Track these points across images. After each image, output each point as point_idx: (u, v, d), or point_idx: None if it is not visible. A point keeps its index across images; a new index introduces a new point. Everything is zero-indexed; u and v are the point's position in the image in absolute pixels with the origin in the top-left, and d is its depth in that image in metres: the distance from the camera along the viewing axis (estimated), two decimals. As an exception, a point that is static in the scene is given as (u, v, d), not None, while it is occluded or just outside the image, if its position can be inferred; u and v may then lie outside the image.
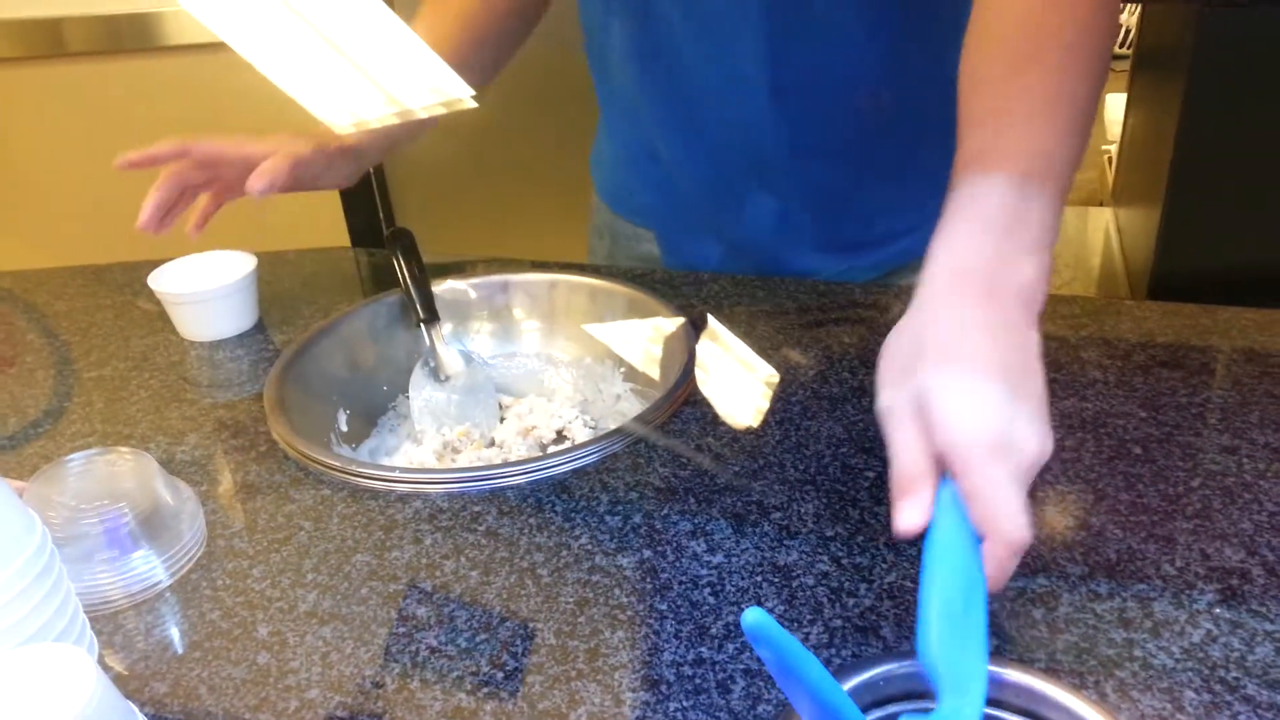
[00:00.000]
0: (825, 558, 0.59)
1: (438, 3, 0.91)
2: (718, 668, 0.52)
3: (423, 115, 0.70)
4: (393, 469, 0.71)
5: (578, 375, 0.94)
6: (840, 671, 0.50)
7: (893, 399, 0.50)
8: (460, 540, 0.63)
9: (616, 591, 0.58)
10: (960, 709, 0.42)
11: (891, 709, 0.49)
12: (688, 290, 0.91)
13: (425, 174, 2.05)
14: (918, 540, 0.60)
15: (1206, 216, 1.90)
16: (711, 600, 0.57)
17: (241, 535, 0.65)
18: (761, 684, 0.51)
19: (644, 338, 0.88)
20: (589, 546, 0.62)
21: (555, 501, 0.66)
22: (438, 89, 0.70)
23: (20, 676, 0.45)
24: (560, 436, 0.88)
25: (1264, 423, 0.68)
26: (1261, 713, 0.48)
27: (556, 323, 0.96)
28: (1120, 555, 0.58)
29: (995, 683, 0.50)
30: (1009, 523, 0.45)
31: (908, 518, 0.47)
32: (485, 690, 0.52)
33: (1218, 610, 0.53)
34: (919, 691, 0.50)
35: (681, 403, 0.75)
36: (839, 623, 0.54)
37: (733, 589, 0.58)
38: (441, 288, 0.94)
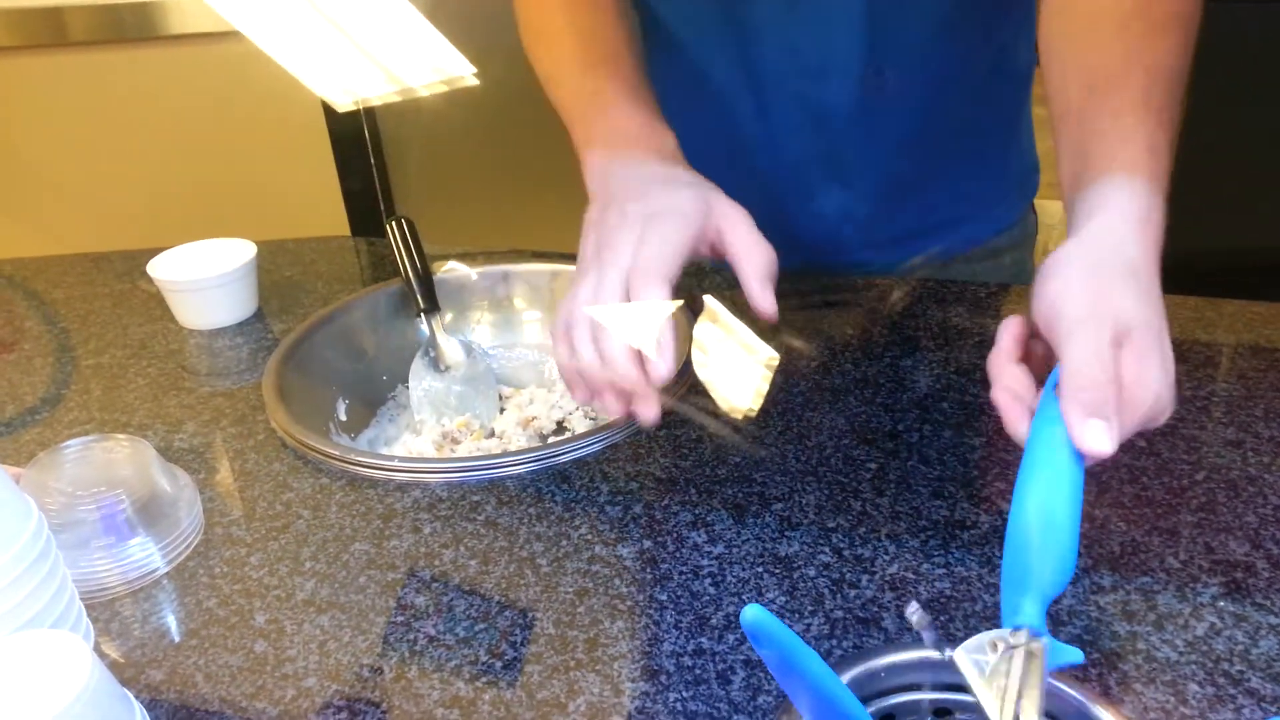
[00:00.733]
0: (827, 549, 0.59)
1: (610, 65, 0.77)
2: (718, 658, 0.52)
3: (424, 93, 0.70)
4: (391, 458, 0.71)
5: (578, 366, 0.94)
6: (841, 663, 0.49)
7: (1091, 308, 0.48)
8: (459, 530, 0.63)
9: (616, 581, 0.58)
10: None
11: (893, 700, 0.49)
12: (688, 280, 0.90)
13: (426, 162, 2.05)
14: (919, 532, 0.59)
15: (1211, 210, 1.89)
16: (712, 591, 0.56)
17: (239, 523, 0.65)
18: (761, 675, 0.51)
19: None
20: (589, 536, 0.62)
21: (555, 491, 0.66)
22: (439, 67, 0.70)
23: (16, 662, 0.45)
24: (561, 427, 0.87)
25: (1269, 416, 0.68)
26: (1266, 706, 0.47)
27: (557, 313, 0.95)
28: (1124, 548, 0.57)
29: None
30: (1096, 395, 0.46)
31: (1103, 440, 0.47)
32: (484, 679, 0.52)
33: (1222, 603, 0.53)
34: (920, 683, 0.50)
35: (683, 393, 0.74)
36: (840, 614, 0.54)
37: (733, 580, 0.57)
38: (442, 277, 0.93)
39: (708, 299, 0.56)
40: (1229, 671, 0.49)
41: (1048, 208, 0.95)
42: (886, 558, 0.58)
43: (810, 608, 0.55)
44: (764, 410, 0.72)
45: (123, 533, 0.61)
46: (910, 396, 0.72)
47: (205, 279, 0.88)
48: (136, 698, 0.49)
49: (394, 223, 0.92)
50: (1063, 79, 0.61)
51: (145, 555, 0.61)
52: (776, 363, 0.54)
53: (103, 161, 1.92)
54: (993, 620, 0.53)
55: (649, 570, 0.59)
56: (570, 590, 0.57)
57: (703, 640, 0.53)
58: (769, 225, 0.97)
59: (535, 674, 0.52)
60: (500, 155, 2.04)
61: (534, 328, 0.96)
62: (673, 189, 0.63)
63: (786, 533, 0.60)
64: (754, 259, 0.60)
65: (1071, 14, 0.62)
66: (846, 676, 0.48)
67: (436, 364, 0.89)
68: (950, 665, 0.42)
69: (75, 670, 0.44)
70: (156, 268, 0.90)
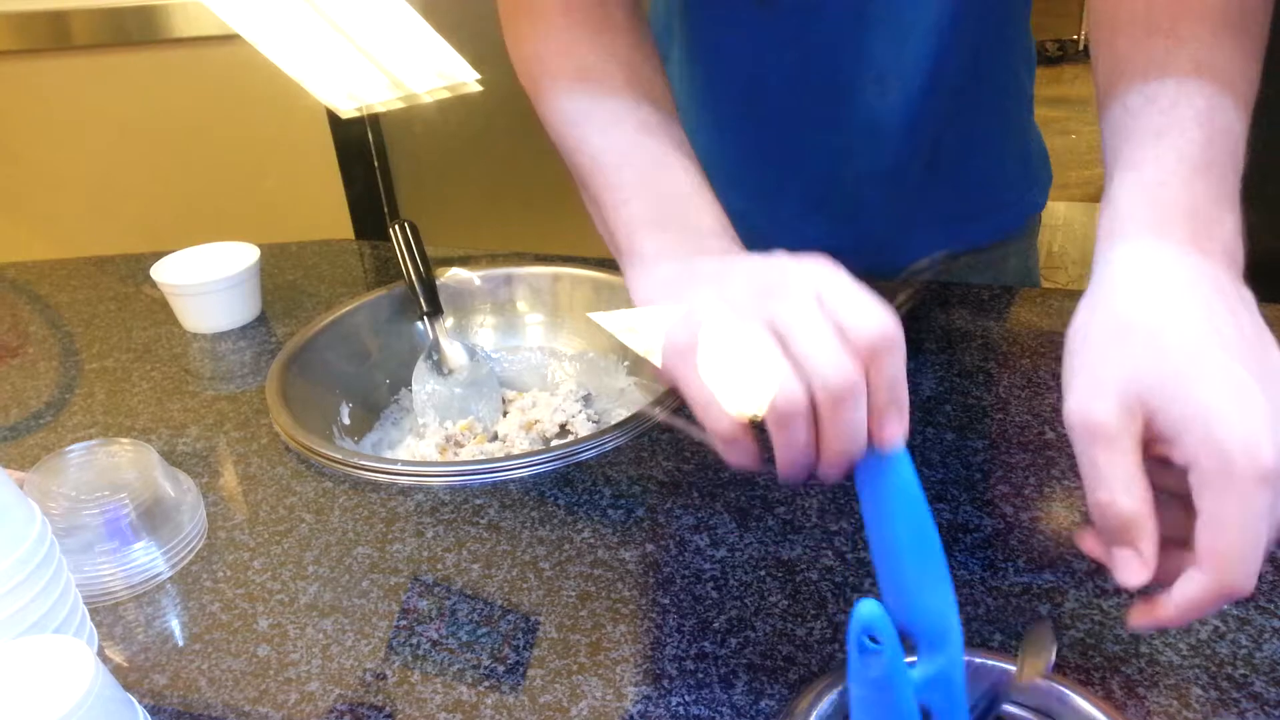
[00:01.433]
0: (829, 553, 0.59)
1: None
2: (720, 662, 0.52)
3: (427, 99, 0.68)
4: (394, 462, 0.71)
5: (581, 369, 0.94)
6: (844, 667, 0.49)
7: (1097, 408, 0.38)
8: (462, 533, 0.63)
9: (619, 585, 0.58)
10: (944, 665, 0.41)
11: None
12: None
13: (429, 166, 2.05)
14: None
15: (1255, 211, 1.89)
16: (714, 595, 0.56)
17: (242, 527, 0.65)
18: (764, 679, 0.51)
19: (649, 330, 0.88)
20: (591, 540, 0.62)
21: (558, 495, 0.66)
22: (442, 72, 0.70)
23: (20, 667, 0.45)
24: (564, 430, 0.88)
25: (1273, 419, 0.67)
26: (1269, 710, 0.47)
27: (560, 316, 0.95)
28: (1127, 551, 0.57)
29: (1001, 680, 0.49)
30: (1243, 569, 0.35)
31: (1136, 574, 0.37)
32: (486, 683, 0.52)
33: (1225, 607, 0.53)
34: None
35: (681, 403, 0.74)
36: (843, 618, 0.54)
37: (736, 584, 0.57)
38: (445, 280, 0.93)
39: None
40: (1233, 675, 0.49)
41: (1050, 208, 0.95)
42: (889, 561, 0.58)
43: (813, 611, 0.55)
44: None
45: (126, 537, 0.61)
46: (913, 399, 0.72)
47: (209, 283, 0.89)
48: (140, 702, 0.49)
49: (397, 226, 0.92)
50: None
51: (149, 559, 0.61)
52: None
53: (106, 165, 1.93)
54: (996, 623, 0.53)
55: (652, 574, 0.59)
56: (573, 594, 0.57)
57: (705, 644, 0.53)
58: (786, 233, 0.94)
59: (538, 678, 0.52)
60: (503, 159, 2.04)
61: (536, 331, 0.96)
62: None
63: (789, 536, 0.60)
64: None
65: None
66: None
67: (439, 367, 0.89)
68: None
69: (78, 675, 0.44)
70: (160, 271, 0.91)
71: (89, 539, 0.60)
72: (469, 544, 0.62)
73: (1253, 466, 0.35)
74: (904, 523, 0.41)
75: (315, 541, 0.63)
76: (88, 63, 1.84)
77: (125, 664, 0.56)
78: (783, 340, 0.40)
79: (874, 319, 0.40)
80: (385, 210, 2.02)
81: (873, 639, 0.38)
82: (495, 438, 0.87)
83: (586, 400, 0.91)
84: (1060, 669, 0.50)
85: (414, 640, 0.55)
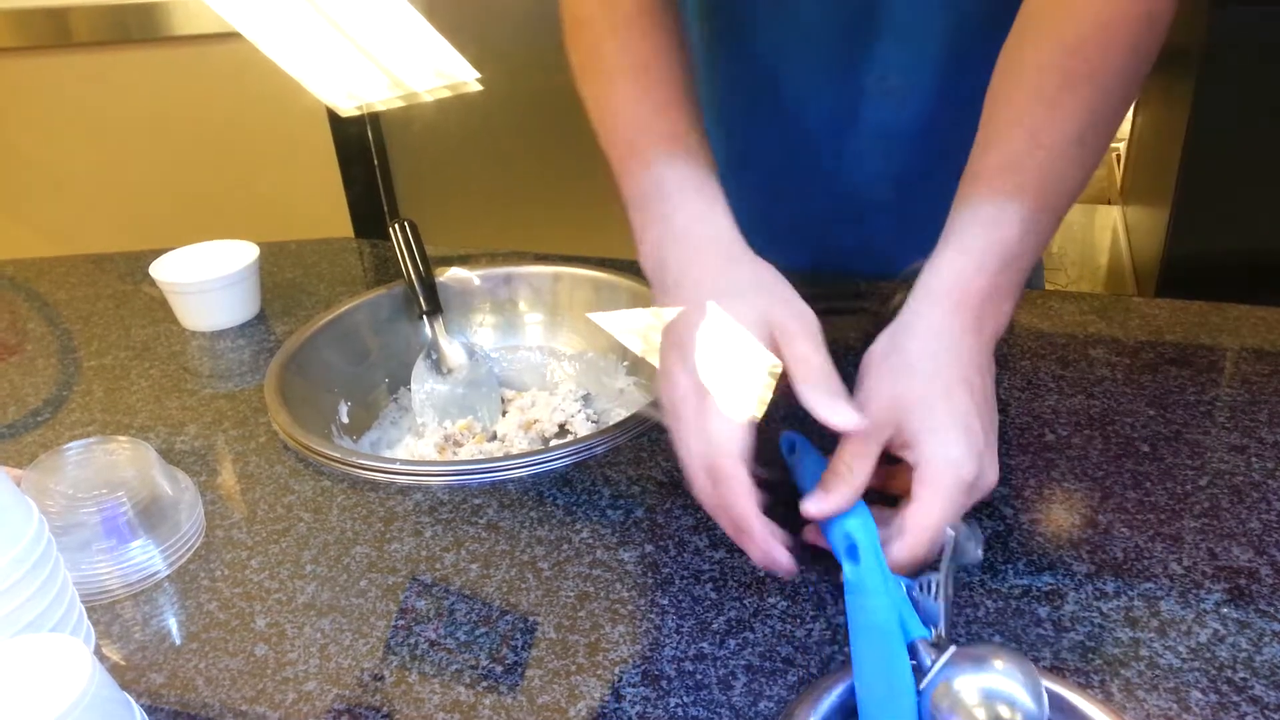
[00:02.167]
0: (827, 555, 0.58)
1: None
2: (719, 663, 0.52)
3: (427, 98, 0.69)
4: (393, 461, 0.71)
5: (581, 368, 0.94)
6: (844, 667, 0.49)
7: (871, 414, 0.52)
8: (461, 533, 0.63)
9: (618, 586, 0.58)
10: None
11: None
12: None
13: (429, 165, 2.05)
14: (922, 537, 0.59)
15: (1216, 214, 1.89)
16: (713, 596, 0.56)
17: (240, 526, 0.65)
18: (763, 680, 0.51)
19: (648, 330, 0.88)
20: (590, 540, 0.61)
21: (557, 495, 0.66)
22: (442, 71, 0.70)
23: (16, 666, 0.44)
24: (563, 430, 0.87)
25: (1273, 421, 0.67)
26: (1269, 714, 0.47)
27: (560, 315, 0.95)
28: (1127, 553, 0.57)
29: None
30: (930, 546, 0.50)
31: (825, 506, 0.52)
32: (484, 684, 0.52)
33: (1225, 610, 0.53)
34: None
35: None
36: (842, 619, 0.54)
37: (735, 584, 0.57)
38: (444, 279, 0.93)
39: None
40: (1232, 679, 0.49)
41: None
42: (888, 563, 0.57)
43: (812, 613, 0.55)
44: (767, 413, 0.72)
45: (124, 535, 0.60)
46: (913, 400, 0.72)
47: (208, 281, 0.88)
48: (137, 701, 0.49)
49: (397, 225, 0.92)
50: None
51: (146, 558, 0.61)
52: (779, 370, 0.54)
53: (106, 162, 1.93)
54: (996, 625, 0.53)
55: (650, 575, 0.59)
56: (571, 594, 0.57)
57: (704, 645, 0.53)
58: (809, 238, 0.92)
59: (536, 679, 0.52)
60: (503, 158, 2.04)
61: (536, 330, 0.96)
62: (730, 301, 0.56)
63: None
64: (811, 376, 0.53)
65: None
66: (848, 681, 0.48)
67: (439, 366, 0.89)
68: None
69: (75, 674, 0.44)
70: (159, 269, 0.90)
71: (86, 537, 0.60)
72: (467, 544, 0.62)
73: (956, 476, 0.50)
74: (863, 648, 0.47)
75: (313, 541, 0.63)
76: (88, 60, 1.84)
77: (122, 663, 0.55)
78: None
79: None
80: (385, 209, 2.02)
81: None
82: (494, 437, 0.87)
83: (586, 400, 0.91)
84: (1060, 672, 0.50)
85: (412, 640, 0.55)
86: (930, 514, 0.50)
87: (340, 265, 1.03)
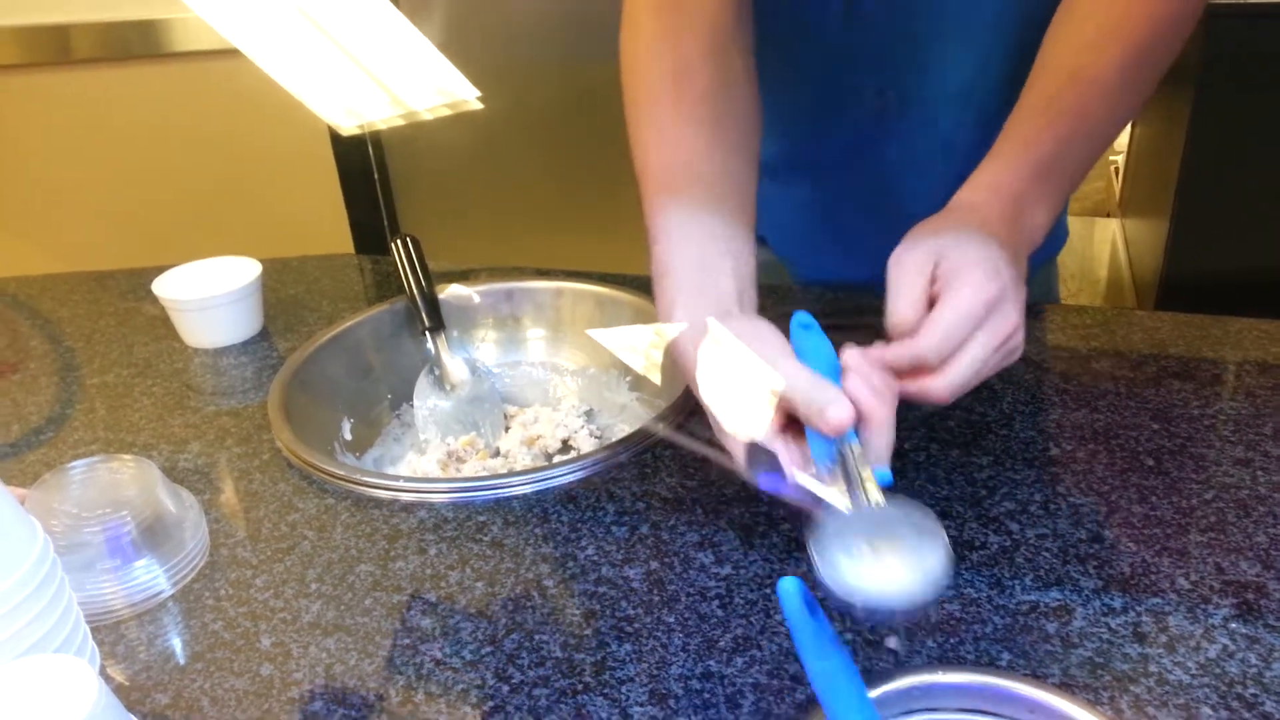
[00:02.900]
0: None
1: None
2: (726, 681, 0.52)
3: (427, 116, 0.69)
4: (397, 478, 0.70)
5: (583, 384, 0.94)
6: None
7: (912, 252, 0.56)
8: (465, 551, 0.63)
9: (623, 603, 0.58)
10: None
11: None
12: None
13: (430, 180, 2.05)
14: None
15: (1215, 227, 1.90)
16: (720, 613, 0.56)
17: (244, 544, 0.65)
18: (771, 699, 0.50)
19: (650, 346, 0.87)
20: (595, 557, 0.61)
21: (561, 512, 0.66)
22: (443, 89, 0.70)
23: (21, 688, 0.44)
24: (565, 446, 0.87)
25: (1277, 435, 0.67)
26: (1280, 731, 0.47)
27: (562, 331, 0.95)
28: (1134, 569, 0.57)
29: (1009, 698, 0.49)
30: (938, 349, 0.53)
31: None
32: (490, 703, 0.52)
33: (1234, 625, 0.53)
34: (931, 707, 0.50)
35: (689, 412, 0.74)
36: (850, 636, 0.54)
37: (741, 601, 0.57)
38: (447, 295, 0.93)
39: (710, 322, 0.56)
40: (1242, 695, 0.49)
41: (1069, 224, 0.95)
42: (895, 579, 0.57)
43: (819, 630, 0.54)
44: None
45: (128, 555, 0.60)
46: (917, 415, 0.72)
47: (210, 298, 0.88)
48: (142, 723, 0.49)
49: (399, 241, 0.92)
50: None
51: (150, 578, 0.61)
52: (781, 386, 0.54)
53: (107, 179, 1.93)
54: (1003, 642, 0.52)
55: (656, 592, 0.58)
56: (577, 612, 0.57)
57: (711, 663, 0.53)
58: (837, 244, 0.92)
59: (543, 698, 0.52)
60: (504, 174, 2.05)
61: (539, 345, 0.96)
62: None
63: (794, 554, 0.60)
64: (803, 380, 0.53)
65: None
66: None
67: (441, 383, 0.89)
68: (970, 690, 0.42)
69: (81, 696, 0.43)
70: (161, 286, 0.90)
71: (90, 557, 0.60)
72: (472, 561, 0.62)
73: (979, 287, 0.53)
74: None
75: (318, 559, 0.63)
76: (89, 76, 1.85)
77: (127, 683, 0.55)
78: None
79: None
80: (386, 225, 2.03)
81: None
82: (497, 453, 0.87)
83: (589, 416, 0.91)
84: (1069, 688, 0.49)
85: (417, 659, 0.55)
86: (948, 312, 0.53)
87: (342, 281, 1.03)
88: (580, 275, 0.95)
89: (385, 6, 0.63)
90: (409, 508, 0.67)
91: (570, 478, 0.69)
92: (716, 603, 0.57)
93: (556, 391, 0.94)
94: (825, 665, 0.39)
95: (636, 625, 0.56)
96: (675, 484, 0.67)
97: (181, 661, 0.56)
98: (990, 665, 0.51)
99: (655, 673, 0.53)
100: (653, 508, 0.65)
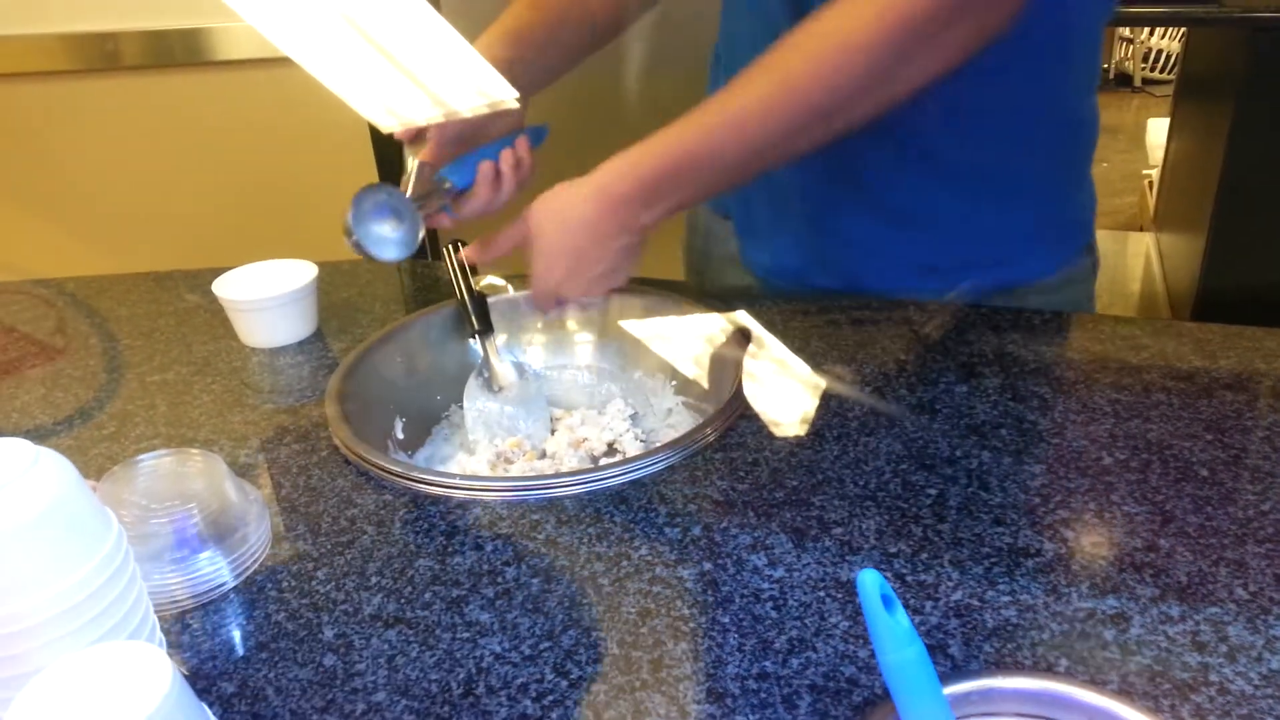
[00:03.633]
0: (889, 574, 0.59)
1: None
2: (783, 682, 0.52)
3: (468, 115, 0.78)
4: (453, 475, 0.72)
5: (629, 388, 0.94)
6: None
7: (527, 214, 0.80)
8: (520, 548, 0.64)
9: (678, 603, 0.58)
10: None
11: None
12: (741, 305, 0.91)
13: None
14: (982, 559, 0.59)
15: (1254, 241, 1.88)
16: (774, 615, 0.57)
17: (305, 538, 0.66)
18: (828, 700, 0.51)
19: (697, 351, 0.88)
20: (649, 557, 0.62)
21: (614, 512, 0.67)
22: (483, 90, 0.72)
23: (99, 673, 0.46)
24: (611, 449, 0.88)
25: (1334, 448, 0.67)
26: (1344, 742, 0.47)
27: (608, 335, 0.96)
28: (1191, 578, 0.57)
29: (1068, 703, 0.49)
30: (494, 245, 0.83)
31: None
32: (550, 697, 0.52)
33: (1294, 637, 0.52)
34: (989, 712, 0.50)
35: (736, 416, 0.75)
36: (905, 639, 0.54)
37: (795, 604, 0.57)
38: (495, 299, 0.94)
39: (747, 319, 0.56)
40: (1305, 706, 0.49)
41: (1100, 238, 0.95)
42: (950, 584, 0.58)
43: (875, 633, 0.55)
44: (819, 434, 0.72)
45: (194, 546, 0.62)
46: (968, 422, 0.72)
47: (268, 298, 0.90)
48: (209, 710, 0.50)
49: (449, 246, 0.93)
50: None
51: (214, 569, 0.62)
52: (832, 395, 0.54)
53: (153, 182, 1.97)
54: (1061, 648, 0.53)
55: (710, 593, 0.59)
56: (633, 610, 0.58)
57: (766, 664, 0.53)
58: (798, 242, 0.96)
59: (601, 694, 0.52)
60: (550, 175, 2.06)
61: (586, 349, 0.97)
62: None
63: (847, 557, 0.61)
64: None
65: None
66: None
67: (490, 385, 0.90)
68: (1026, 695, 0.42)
69: (156, 681, 0.45)
70: (221, 287, 0.92)
71: (158, 547, 0.61)
72: (528, 558, 0.63)
73: (534, 241, 0.81)
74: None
75: (377, 553, 0.64)
76: (135, 83, 1.89)
77: (190, 672, 0.57)
78: None
79: None
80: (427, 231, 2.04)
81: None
82: (544, 455, 0.88)
83: (634, 419, 0.92)
84: (1128, 695, 0.50)
85: (477, 653, 0.56)
86: (500, 236, 0.83)
87: (393, 285, 1.04)
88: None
89: (427, 10, 0.64)
90: (464, 505, 0.68)
91: (622, 479, 0.70)
92: (770, 604, 0.57)
93: (603, 395, 0.95)
94: (902, 658, 0.40)
95: (692, 625, 0.57)
96: (726, 487, 0.68)
97: (245, 652, 0.58)
98: (1048, 671, 0.51)
99: (712, 672, 0.53)
100: (704, 510, 0.66)
